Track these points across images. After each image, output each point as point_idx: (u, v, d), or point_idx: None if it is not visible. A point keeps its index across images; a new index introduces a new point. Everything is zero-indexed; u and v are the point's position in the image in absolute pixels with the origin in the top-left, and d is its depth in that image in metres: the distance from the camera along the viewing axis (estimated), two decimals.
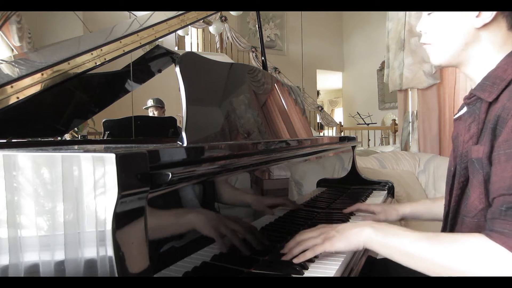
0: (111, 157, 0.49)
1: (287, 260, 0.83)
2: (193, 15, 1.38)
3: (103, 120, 2.54)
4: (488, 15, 0.79)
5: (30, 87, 0.92)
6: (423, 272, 0.73)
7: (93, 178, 0.50)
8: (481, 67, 0.83)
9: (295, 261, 0.81)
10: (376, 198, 1.61)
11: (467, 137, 0.82)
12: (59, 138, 1.74)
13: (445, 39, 0.84)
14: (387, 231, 0.79)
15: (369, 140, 6.89)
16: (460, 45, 0.83)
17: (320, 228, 0.89)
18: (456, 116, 0.96)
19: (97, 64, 1.08)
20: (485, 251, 0.67)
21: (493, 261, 0.66)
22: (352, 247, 0.81)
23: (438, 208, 1.13)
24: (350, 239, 0.81)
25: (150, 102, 3.72)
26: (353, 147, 1.84)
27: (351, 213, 1.27)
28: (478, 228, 0.79)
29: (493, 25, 0.80)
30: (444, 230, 0.96)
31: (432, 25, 0.86)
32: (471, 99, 0.84)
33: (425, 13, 0.88)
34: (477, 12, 0.79)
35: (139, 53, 1.69)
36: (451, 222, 0.89)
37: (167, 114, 3.78)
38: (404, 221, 2.30)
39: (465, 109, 0.91)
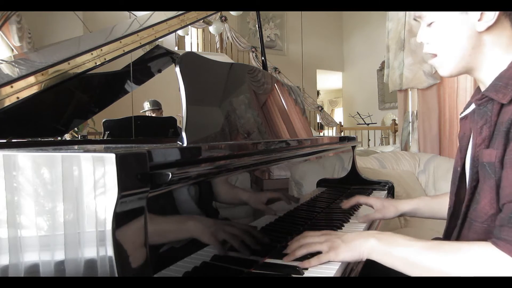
0: (111, 157, 0.49)
1: (288, 261, 0.83)
2: (193, 15, 1.38)
3: (103, 120, 2.54)
4: (490, 17, 0.77)
5: (30, 87, 0.92)
6: None
7: (93, 178, 0.50)
8: (491, 70, 0.81)
9: (301, 265, 0.81)
10: None
11: (479, 140, 0.80)
12: (59, 138, 1.74)
13: (450, 47, 0.83)
14: (391, 242, 0.78)
15: (369, 140, 6.90)
16: (466, 51, 0.81)
17: (324, 234, 0.89)
18: (462, 115, 0.94)
19: (97, 64, 1.08)
20: (491, 259, 0.66)
21: (499, 269, 0.65)
22: (355, 258, 0.82)
23: (436, 205, 1.13)
24: (354, 250, 0.81)
25: (146, 105, 3.71)
26: (353, 147, 1.84)
27: (351, 213, 1.27)
28: (487, 233, 0.78)
29: (496, 27, 0.79)
30: (448, 230, 0.95)
31: (434, 34, 0.84)
32: (482, 100, 0.81)
33: (423, 24, 0.87)
34: (479, 15, 0.78)
35: (139, 53, 1.69)
36: (460, 227, 0.87)
37: (166, 114, 3.78)
38: (404, 221, 2.31)
39: (471, 107, 0.90)
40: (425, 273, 0.73)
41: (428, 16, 0.85)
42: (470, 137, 0.88)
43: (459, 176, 0.91)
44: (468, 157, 0.87)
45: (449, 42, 0.83)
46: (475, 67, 0.84)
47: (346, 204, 1.24)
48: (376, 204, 1.18)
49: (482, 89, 0.85)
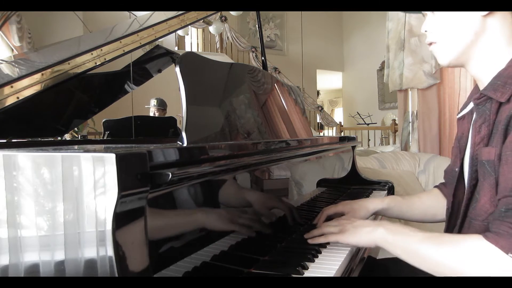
0: (111, 157, 0.49)
1: (307, 237, 0.95)
2: (193, 15, 1.38)
3: (103, 120, 2.54)
4: None
5: (30, 87, 0.92)
6: (427, 271, 0.74)
7: (93, 178, 0.50)
8: (489, 64, 0.81)
9: (310, 241, 0.92)
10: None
11: (478, 138, 0.80)
12: (59, 138, 1.74)
13: (453, 34, 0.82)
14: (396, 231, 0.81)
15: (369, 140, 6.90)
16: (469, 36, 0.81)
17: (340, 219, 0.96)
18: (460, 115, 0.94)
19: (97, 64, 1.08)
20: (481, 251, 0.68)
21: (487, 261, 0.67)
22: (362, 244, 0.86)
23: (406, 207, 1.12)
24: (362, 236, 0.85)
25: (153, 102, 3.73)
26: (353, 147, 1.84)
27: None
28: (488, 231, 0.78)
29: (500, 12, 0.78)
30: (447, 230, 0.95)
31: (438, 22, 0.84)
32: (481, 99, 0.81)
33: (429, 12, 0.86)
34: None
35: (139, 53, 1.68)
36: (460, 226, 0.87)
37: (166, 114, 3.79)
38: (404, 221, 2.30)
39: (468, 108, 0.90)
40: (422, 262, 0.75)
41: None
42: (468, 137, 0.88)
43: (457, 176, 0.91)
44: (467, 156, 0.87)
45: (452, 26, 0.82)
46: (473, 59, 0.83)
47: (319, 220, 1.11)
48: (344, 209, 1.11)
49: (481, 87, 0.84)
